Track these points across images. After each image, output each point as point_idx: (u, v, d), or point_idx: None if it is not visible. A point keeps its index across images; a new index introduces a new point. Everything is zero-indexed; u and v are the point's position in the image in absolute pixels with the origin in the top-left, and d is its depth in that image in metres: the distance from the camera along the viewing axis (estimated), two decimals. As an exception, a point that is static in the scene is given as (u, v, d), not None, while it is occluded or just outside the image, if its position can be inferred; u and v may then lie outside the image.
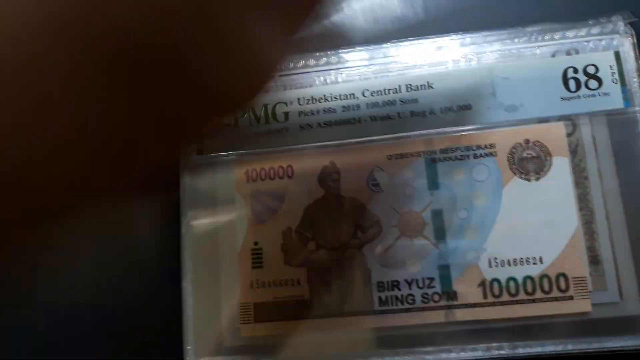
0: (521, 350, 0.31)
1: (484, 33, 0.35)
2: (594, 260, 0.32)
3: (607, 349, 0.30)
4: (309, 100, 0.35)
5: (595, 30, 0.34)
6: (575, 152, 0.33)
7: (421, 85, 0.34)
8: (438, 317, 0.32)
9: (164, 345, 0.33)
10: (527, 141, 0.33)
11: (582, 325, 0.31)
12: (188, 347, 0.33)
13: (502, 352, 0.31)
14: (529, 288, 0.32)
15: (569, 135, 0.33)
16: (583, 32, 0.34)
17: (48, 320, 0.35)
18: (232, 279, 0.34)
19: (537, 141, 0.33)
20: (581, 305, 0.31)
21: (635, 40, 0.33)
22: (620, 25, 0.34)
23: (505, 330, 0.32)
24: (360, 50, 0.35)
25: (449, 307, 0.33)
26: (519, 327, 0.32)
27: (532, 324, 0.32)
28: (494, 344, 0.31)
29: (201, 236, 0.34)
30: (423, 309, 0.32)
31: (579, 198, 0.32)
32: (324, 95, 0.35)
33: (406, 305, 0.33)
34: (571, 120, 0.33)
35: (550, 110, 0.33)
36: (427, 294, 0.32)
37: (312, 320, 0.33)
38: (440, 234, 0.33)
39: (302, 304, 0.33)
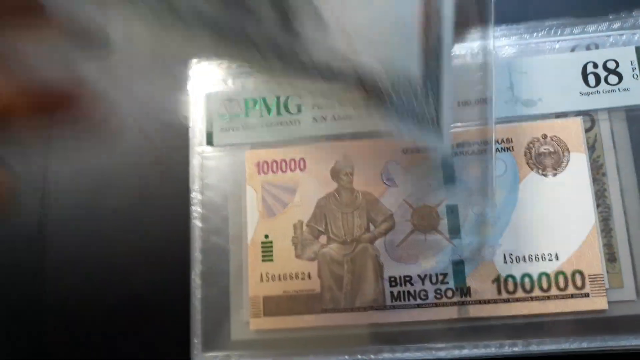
0: (535, 348, 0.31)
1: (503, 27, 0.34)
2: (611, 257, 0.32)
3: (623, 347, 0.30)
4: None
5: (615, 25, 0.34)
6: (593, 148, 0.33)
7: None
8: (451, 313, 0.32)
9: (172, 338, 0.33)
10: (544, 136, 0.33)
11: (598, 323, 0.31)
12: (195, 341, 0.33)
13: (515, 349, 0.31)
14: (544, 285, 0.31)
15: (587, 130, 0.33)
16: (603, 26, 0.34)
17: (57, 313, 0.34)
18: (241, 272, 0.33)
19: (555, 136, 0.33)
20: (597, 303, 0.31)
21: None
22: None
23: (519, 327, 0.31)
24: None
25: (463, 303, 0.32)
26: (533, 324, 0.31)
27: (547, 320, 0.31)
28: (507, 341, 0.31)
29: (211, 228, 0.34)
30: (436, 305, 0.32)
31: (596, 195, 0.32)
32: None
33: (419, 301, 0.32)
34: (590, 116, 0.33)
35: (568, 106, 0.33)
36: (440, 289, 0.32)
37: (323, 315, 0.32)
38: (454, 229, 0.32)
39: (313, 298, 0.33)
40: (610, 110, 0.33)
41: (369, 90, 0.24)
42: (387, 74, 0.24)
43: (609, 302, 0.31)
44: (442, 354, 0.31)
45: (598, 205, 0.32)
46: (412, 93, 0.25)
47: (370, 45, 0.24)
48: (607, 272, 0.31)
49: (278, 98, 0.35)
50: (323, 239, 0.33)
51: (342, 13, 0.23)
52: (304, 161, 0.34)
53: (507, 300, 0.32)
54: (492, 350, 0.31)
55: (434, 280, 0.32)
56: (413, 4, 0.24)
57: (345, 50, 0.23)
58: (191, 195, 0.34)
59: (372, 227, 0.33)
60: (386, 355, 0.31)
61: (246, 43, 0.23)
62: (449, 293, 0.32)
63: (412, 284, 0.32)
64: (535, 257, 0.31)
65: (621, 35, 0.34)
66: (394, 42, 0.24)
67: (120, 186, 0.36)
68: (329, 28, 0.23)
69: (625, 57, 0.33)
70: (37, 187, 0.36)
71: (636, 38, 0.34)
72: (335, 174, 0.34)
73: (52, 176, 0.36)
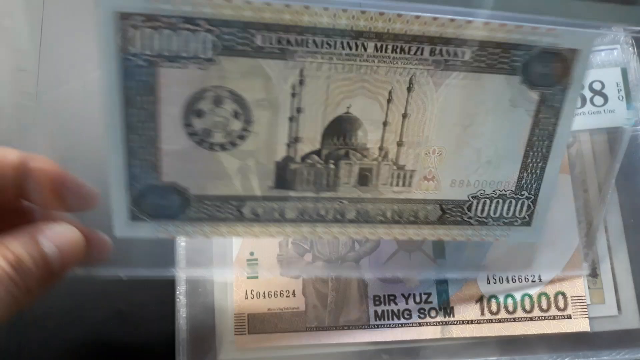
0: None
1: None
2: (593, 273, 0.32)
3: None
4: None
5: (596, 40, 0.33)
6: (574, 164, 0.33)
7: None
8: (434, 332, 0.32)
9: (158, 357, 0.33)
10: (529, 157, 0.33)
11: (580, 339, 0.31)
12: (180, 358, 0.32)
13: None
14: (527, 306, 0.32)
15: (569, 146, 0.33)
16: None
17: (40, 329, 0.34)
18: (226, 289, 0.33)
19: (539, 158, 0.33)
20: (579, 325, 0.31)
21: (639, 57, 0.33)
22: (621, 36, 0.33)
23: (502, 344, 0.32)
24: None
25: (446, 323, 0.32)
26: (516, 340, 0.32)
27: (530, 337, 0.31)
28: (491, 358, 0.31)
29: (195, 247, 0.33)
30: (419, 324, 0.32)
31: (578, 211, 0.32)
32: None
33: (402, 320, 0.32)
34: (574, 136, 0.33)
35: None
36: (423, 309, 0.32)
37: (307, 333, 0.32)
38: (439, 249, 0.32)
39: (297, 316, 0.33)
40: (592, 132, 0.33)
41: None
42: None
43: (591, 318, 0.31)
44: None
45: (579, 222, 0.32)
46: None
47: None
48: (589, 287, 0.32)
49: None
50: (308, 256, 0.33)
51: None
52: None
53: (490, 321, 0.32)
54: None
55: (417, 299, 0.32)
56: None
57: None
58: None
59: (357, 245, 0.33)
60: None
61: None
62: (433, 313, 0.32)
63: (396, 303, 0.32)
64: (519, 278, 0.32)
65: (601, 51, 0.33)
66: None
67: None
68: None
69: (611, 78, 0.34)
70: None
71: (621, 59, 0.33)
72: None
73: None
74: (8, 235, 0.24)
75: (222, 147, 0.26)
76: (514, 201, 0.30)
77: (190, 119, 0.25)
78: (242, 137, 0.26)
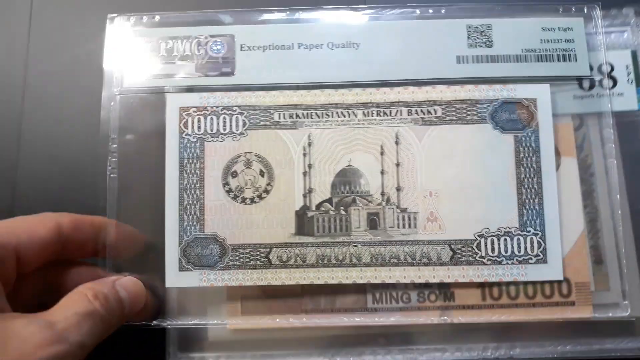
0: (519, 351, 0.28)
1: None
2: (597, 259, 0.30)
3: (608, 350, 0.28)
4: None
5: (605, 22, 0.34)
6: (581, 147, 0.33)
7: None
8: (433, 317, 0.31)
9: (148, 339, 0.32)
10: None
11: (583, 326, 0.29)
12: (171, 342, 0.32)
13: (500, 352, 0.29)
14: (530, 292, 0.30)
15: (576, 129, 0.33)
16: (591, 25, 0.33)
17: None
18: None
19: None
20: (582, 312, 0.29)
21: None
22: (632, 18, 0.34)
23: (503, 331, 0.29)
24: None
25: (446, 308, 0.31)
26: (518, 327, 0.30)
27: (532, 323, 0.30)
28: (491, 344, 0.28)
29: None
30: (419, 309, 0.31)
31: (583, 195, 0.32)
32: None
33: (401, 304, 0.31)
34: (579, 116, 0.33)
35: (560, 108, 0.33)
36: (423, 293, 0.31)
37: (303, 315, 0.32)
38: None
39: (293, 297, 0.32)
40: (600, 115, 0.32)
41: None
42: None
43: (594, 305, 0.29)
44: (423, 358, 0.30)
45: (585, 206, 0.31)
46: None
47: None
48: (593, 274, 0.30)
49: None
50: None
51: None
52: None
53: (491, 306, 0.30)
54: (475, 354, 0.29)
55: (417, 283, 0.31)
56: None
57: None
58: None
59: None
60: (367, 357, 0.29)
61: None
62: (432, 297, 0.31)
63: (394, 287, 0.32)
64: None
65: (610, 33, 0.33)
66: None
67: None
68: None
69: (620, 61, 0.33)
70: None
71: (632, 41, 0.33)
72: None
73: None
74: (94, 282, 0.30)
75: (252, 200, 0.33)
76: (521, 238, 0.32)
77: (227, 178, 0.33)
78: (267, 191, 0.33)
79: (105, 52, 0.34)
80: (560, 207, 0.32)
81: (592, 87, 0.32)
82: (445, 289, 0.32)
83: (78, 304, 0.27)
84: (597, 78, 0.33)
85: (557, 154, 0.33)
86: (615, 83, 0.33)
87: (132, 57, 0.34)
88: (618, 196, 0.31)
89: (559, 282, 0.30)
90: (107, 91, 0.34)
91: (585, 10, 0.34)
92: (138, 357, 0.34)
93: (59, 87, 0.38)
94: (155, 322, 0.32)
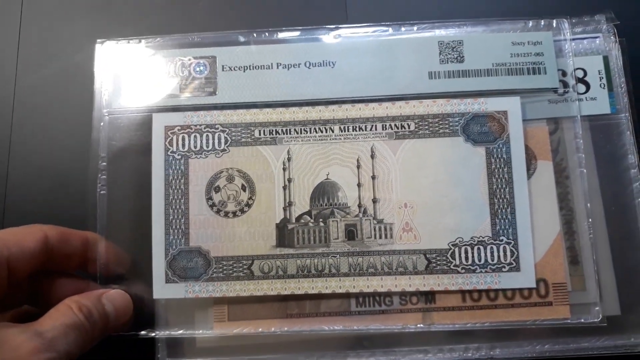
0: (499, 352, 0.30)
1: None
2: (574, 260, 0.31)
3: (585, 349, 0.28)
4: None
5: (578, 28, 0.35)
6: (557, 151, 0.33)
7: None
8: (416, 319, 0.32)
9: (137, 344, 0.33)
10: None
11: (561, 326, 0.29)
12: (160, 347, 0.33)
13: (480, 353, 0.30)
14: (509, 293, 0.31)
15: (551, 133, 0.34)
16: (566, 31, 0.35)
17: None
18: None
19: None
20: (560, 312, 0.30)
21: (620, 46, 0.34)
22: (604, 24, 0.35)
23: (484, 332, 0.31)
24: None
25: (427, 310, 0.32)
26: (497, 329, 0.31)
27: (511, 323, 0.31)
28: (472, 345, 0.29)
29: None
30: (401, 311, 0.32)
31: (559, 197, 0.33)
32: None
33: (384, 307, 0.32)
34: (554, 120, 0.34)
35: (537, 113, 0.34)
36: (405, 295, 0.32)
37: (288, 320, 0.33)
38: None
39: (278, 302, 0.33)
40: (574, 119, 0.33)
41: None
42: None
43: (572, 305, 0.30)
44: (406, 359, 0.31)
45: (561, 209, 0.32)
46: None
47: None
48: (570, 274, 0.31)
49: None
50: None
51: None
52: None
53: (471, 308, 0.31)
54: (456, 355, 0.30)
55: (399, 284, 0.33)
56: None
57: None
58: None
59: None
60: None
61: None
62: (414, 300, 0.32)
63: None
64: (499, 264, 0.32)
65: (582, 40, 0.35)
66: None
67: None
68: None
69: (593, 66, 0.35)
70: None
71: (603, 47, 0.34)
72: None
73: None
74: (80, 295, 0.31)
75: (234, 214, 0.34)
76: (494, 247, 0.33)
77: (211, 193, 0.35)
78: (249, 205, 0.34)
79: (95, 74, 0.36)
80: (537, 209, 0.33)
81: (565, 92, 0.34)
82: (426, 292, 0.33)
83: (65, 316, 0.29)
84: (571, 83, 0.34)
85: (533, 157, 0.34)
86: (588, 88, 0.34)
87: (120, 79, 0.36)
88: (593, 198, 0.32)
89: (537, 281, 0.31)
90: (97, 112, 0.36)
91: (555, 23, 0.35)
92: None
93: (48, 101, 0.40)
94: (143, 332, 0.33)
